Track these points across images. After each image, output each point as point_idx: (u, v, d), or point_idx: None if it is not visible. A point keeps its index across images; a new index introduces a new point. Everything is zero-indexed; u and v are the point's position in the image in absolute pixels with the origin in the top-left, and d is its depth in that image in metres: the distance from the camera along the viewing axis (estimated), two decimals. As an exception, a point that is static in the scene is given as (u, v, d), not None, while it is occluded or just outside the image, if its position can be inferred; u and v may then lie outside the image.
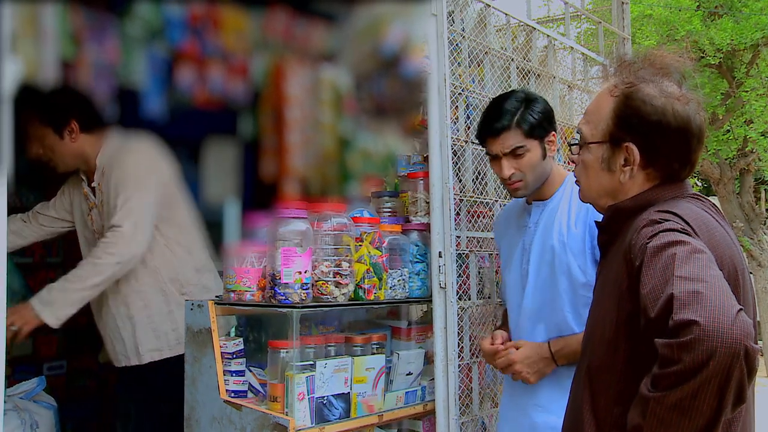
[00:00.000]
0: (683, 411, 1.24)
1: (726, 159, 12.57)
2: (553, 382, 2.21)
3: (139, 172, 2.85)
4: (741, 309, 1.25)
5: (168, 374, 2.72)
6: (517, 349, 2.26)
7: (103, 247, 2.73)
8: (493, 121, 2.28)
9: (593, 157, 1.60)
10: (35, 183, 4.45)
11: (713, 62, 11.03)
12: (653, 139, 1.52)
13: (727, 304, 1.24)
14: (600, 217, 1.66)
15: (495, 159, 2.30)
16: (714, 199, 12.77)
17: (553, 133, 2.30)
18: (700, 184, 15.75)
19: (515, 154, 2.25)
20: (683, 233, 1.39)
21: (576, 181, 1.69)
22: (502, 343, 2.30)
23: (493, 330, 2.48)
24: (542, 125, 2.27)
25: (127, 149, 2.89)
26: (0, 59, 1.61)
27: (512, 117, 2.25)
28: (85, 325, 3.09)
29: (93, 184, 2.94)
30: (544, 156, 2.28)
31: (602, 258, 1.66)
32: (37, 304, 2.66)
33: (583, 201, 1.71)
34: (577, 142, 1.65)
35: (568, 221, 2.20)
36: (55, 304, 2.67)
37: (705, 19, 10.98)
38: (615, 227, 1.57)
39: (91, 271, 2.71)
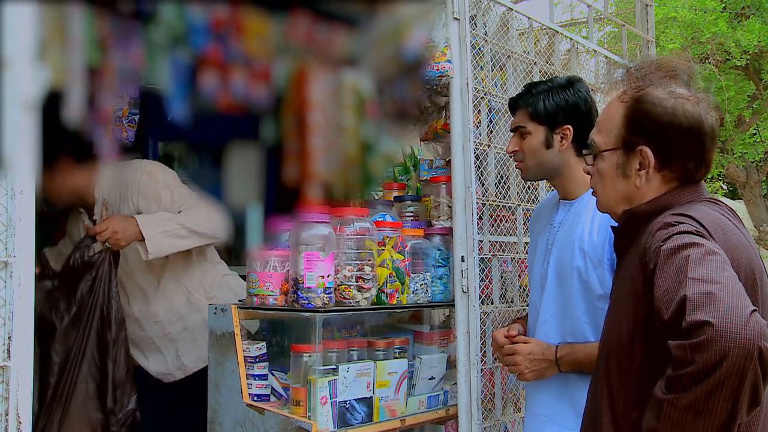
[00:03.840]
0: (698, 413, 1.23)
1: (752, 162, 12.42)
2: (564, 394, 2.13)
3: (163, 178, 2.89)
4: (755, 310, 1.25)
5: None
6: (525, 344, 2.20)
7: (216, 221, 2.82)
8: (511, 99, 2.31)
9: (608, 164, 1.61)
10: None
11: (739, 64, 10.92)
12: (666, 141, 1.53)
13: (740, 304, 1.24)
14: (616, 224, 1.66)
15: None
16: (740, 203, 12.63)
17: (568, 127, 2.18)
18: (726, 187, 15.58)
19: (520, 133, 2.24)
20: (697, 235, 1.39)
21: (593, 192, 1.69)
22: (514, 337, 2.24)
23: (512, 322, 2.43)
24: (554, 114, 2.18)
25: (133, 169, 2.91)
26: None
27: (529, 97, 2.23)
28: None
29: (94, 218, 2.92)
30: (548, 146, 2.19)
31: (618, 263, 1.66)
32: (141, 219, 2.71)
33: (600, 210, 1.71)
34: (590, 152, 1.65)
35: (591, 227, 2.12)
36: (156, 223, 2.71)
37: (731, 21, 10.87)
38: (631, 232, 1.57)
39: (200, 221, 2.79)
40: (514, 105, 2.28)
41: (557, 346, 2.13)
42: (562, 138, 2.19)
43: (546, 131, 2.20)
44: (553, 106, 2.19)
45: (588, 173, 1.70)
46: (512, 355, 2.18)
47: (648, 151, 1.54)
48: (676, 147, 1.53)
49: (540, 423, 2.17)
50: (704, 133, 1.52)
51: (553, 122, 2.19)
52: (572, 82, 2.24)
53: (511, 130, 2.29)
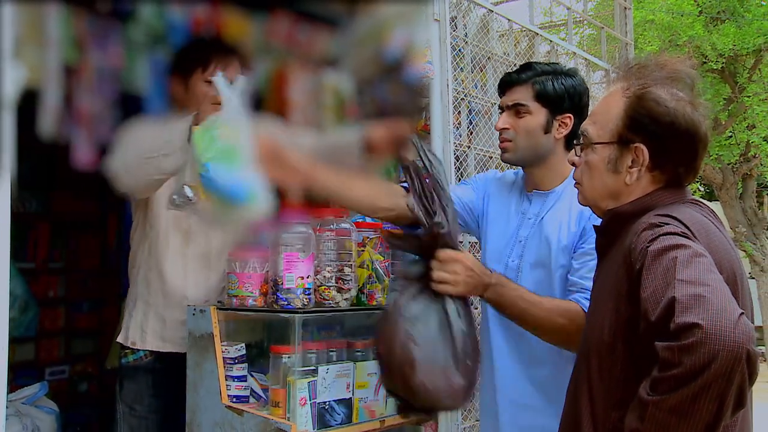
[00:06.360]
0: (682, 415, 1.23)
1: (728, 164, 12.59)
2: (523, 375, 2.13)
3: None
4: (743, 313, 1.25)
5: None
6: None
7: None
8: (511, 73, 2.19)
9: (599, 157, 1.59)
10: (37, 188, 4.45)
11: (715, 67, 11.08)
12: (663, 141, 1.52)
13: (729, 307, 1.24)
14: (599, 222, 1.66)
15: (501, 112, 2.19)
16: (717, 205, 12.80)
17: (569, 116, 2.09)
18: (702, 189, 15.76)
19: (517, 111, 2.12)
20: (684, 237, 1.39)
21: (575, 184, 1.69)
22: None
23: None
24: (560, 99, 2.09)
25: None
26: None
27: (531, 76, 2.12)
28: (86, 330, 3.09)
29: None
30: (547, 130, 2.10)
31: (600, 262, 1.65)
32: None
33: (582, 204, 1.69)
34: (581, 142, 1.64)
35: (569, 221, 2.09)
36: None
37: (707, 25, 11.02)
38: (614, 231, 1.57)
39: None
40: (515, 80, 2.15)
41: (494, 272, 1.97)
42: (560, 126, 2.12)
43: (548, 115, 2.11)
44: (561, 90, 2.09)
45: (573, 164, 1.67)
46: (454, 263, 1.91)
47: (644, 149, 1.53)
48: (672, 149, 1.53)
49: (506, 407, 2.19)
50: (699, 139, 1.53)
51: (557, 107, 2.10)
52: (575, 72, 2.18)
53: (503, 107, 2.17)
